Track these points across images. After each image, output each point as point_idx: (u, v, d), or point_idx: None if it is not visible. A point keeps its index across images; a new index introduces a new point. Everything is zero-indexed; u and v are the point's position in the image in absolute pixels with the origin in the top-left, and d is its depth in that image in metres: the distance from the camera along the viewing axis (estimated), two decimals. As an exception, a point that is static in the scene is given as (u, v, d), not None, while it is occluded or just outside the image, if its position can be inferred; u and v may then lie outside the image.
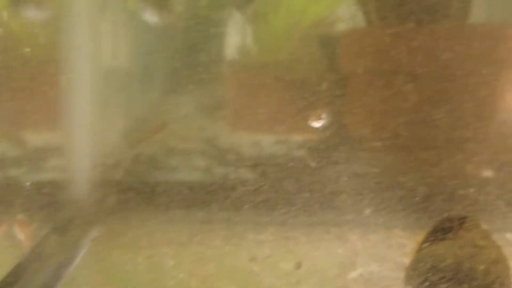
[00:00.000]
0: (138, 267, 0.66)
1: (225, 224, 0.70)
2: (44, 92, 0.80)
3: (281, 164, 0.79)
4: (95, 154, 0.78)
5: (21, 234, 0.70)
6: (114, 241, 0.70)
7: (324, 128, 0.78)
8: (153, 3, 0.85)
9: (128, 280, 0.65)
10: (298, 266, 0.65)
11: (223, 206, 0.71)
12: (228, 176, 0.78)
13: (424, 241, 0.58)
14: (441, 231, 0.56)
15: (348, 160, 0.76)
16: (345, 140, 0.78)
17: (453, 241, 0.56)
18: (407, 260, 0.59)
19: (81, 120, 0.78)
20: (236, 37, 0.88)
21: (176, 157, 0.81)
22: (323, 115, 0.77)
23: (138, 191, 0.73)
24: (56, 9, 0.80)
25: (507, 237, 0.66)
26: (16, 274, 0.63)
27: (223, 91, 0.87)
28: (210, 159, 0.81)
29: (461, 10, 0.69)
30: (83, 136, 0.78)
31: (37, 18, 0.80)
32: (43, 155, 0.78)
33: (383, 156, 0.74)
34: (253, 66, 0.89)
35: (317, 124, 0.78)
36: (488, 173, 0.71)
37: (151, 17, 0.84)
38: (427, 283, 0.55)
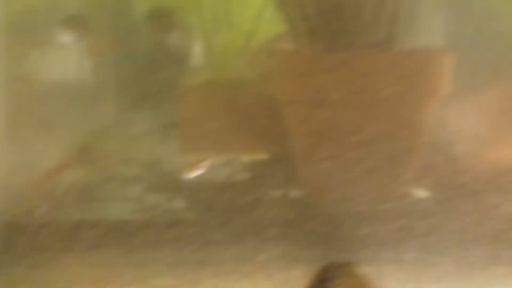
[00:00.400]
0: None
1: (134, 266, 0.67)
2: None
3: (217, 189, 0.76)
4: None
5: None
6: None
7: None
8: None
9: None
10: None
11: (140, 244, 0.69)
12: (157, 208, 0.75)
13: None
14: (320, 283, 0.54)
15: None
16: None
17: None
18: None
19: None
20: (187, 55, 0.88)
21: (111, 185, 0.79)
22: (208, 161, 0.75)
23: (55, 230, 0.71)
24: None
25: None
26: None
27: (173, 111, 0.86)
28: (146, 187, 0.79)
29: (386, 36, 0.69)
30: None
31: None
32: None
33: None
34: (204, 86, 0.88)
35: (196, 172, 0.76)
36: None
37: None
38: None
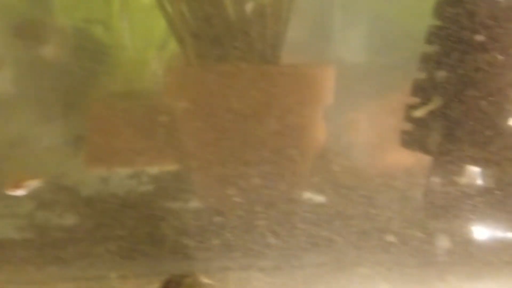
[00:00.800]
0: None
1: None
2: None
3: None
4: None
5: None
6: None
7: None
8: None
9: None
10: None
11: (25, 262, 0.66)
12: (47, 225, 0.73)
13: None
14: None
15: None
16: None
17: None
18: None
19: None
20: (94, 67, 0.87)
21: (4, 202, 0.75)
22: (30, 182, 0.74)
23: None
24: None
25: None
26: None
27: (81, 123, 0.85)
28: (39, 204, 0.76)
29: (271, 51, 0.73)
30: None
31: None
32: None
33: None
34: (111, 98, 0.88)
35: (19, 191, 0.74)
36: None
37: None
38: None
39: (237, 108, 0.69)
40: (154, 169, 0.84)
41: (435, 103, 0.66)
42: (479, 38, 0.63)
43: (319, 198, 0.77)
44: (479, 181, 0.67)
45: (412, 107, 0.68)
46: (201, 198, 0.75)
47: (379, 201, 0.74)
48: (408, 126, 0.69)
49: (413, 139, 0.68)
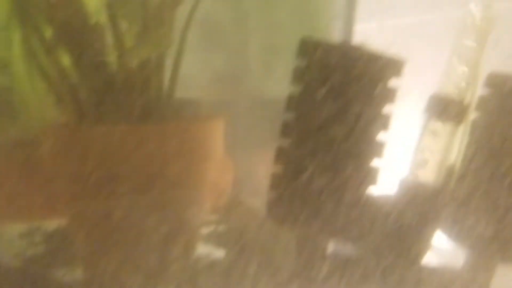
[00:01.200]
0: None
1: None
2: None
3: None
4: None
5: None
6: None
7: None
8: None
9: None
10: None
11: None
12: None
13: None
14: None
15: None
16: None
17: None
18: None
19: None
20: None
21: None
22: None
23: None
24: None
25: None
26: None
27: None
28: None
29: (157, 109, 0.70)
30: None
31: None
32: None
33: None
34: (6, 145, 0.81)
35: None
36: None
37: None
38: None
39: (117, 172, 0.65)
40: (50, 225, 0.79)
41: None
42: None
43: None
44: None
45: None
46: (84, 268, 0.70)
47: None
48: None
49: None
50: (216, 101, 0.92)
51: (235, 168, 0.86)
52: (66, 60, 0.68)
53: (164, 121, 0.70)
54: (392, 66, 0.59)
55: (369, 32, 0.94)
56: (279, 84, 0.93)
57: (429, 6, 0.88)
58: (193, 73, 0.81)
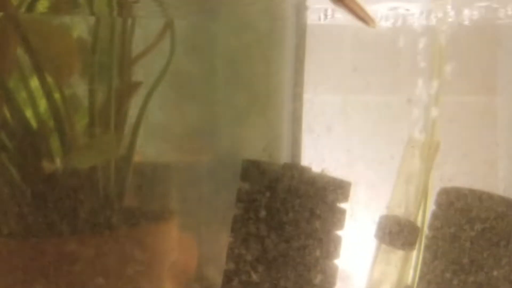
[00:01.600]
0: None
1: None
2: None
3: None
4: None
5: None
6: None
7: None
8: None
9: None
10: None
11: None
12: None
13: None
14: None
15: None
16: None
17: None
18: None
19: None
20: None
21: None
22: None
23: None
24: None
25: None
26: None
27: None
28: None
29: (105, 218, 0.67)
30: None
31: None
32: None
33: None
34: None
35: None
36: None
37: None
38: None
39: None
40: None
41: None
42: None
43: None
44: None
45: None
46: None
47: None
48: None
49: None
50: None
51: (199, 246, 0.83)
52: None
53: (112, 228, 0.67)
54: (338, 188, 0.57)
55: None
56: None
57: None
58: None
